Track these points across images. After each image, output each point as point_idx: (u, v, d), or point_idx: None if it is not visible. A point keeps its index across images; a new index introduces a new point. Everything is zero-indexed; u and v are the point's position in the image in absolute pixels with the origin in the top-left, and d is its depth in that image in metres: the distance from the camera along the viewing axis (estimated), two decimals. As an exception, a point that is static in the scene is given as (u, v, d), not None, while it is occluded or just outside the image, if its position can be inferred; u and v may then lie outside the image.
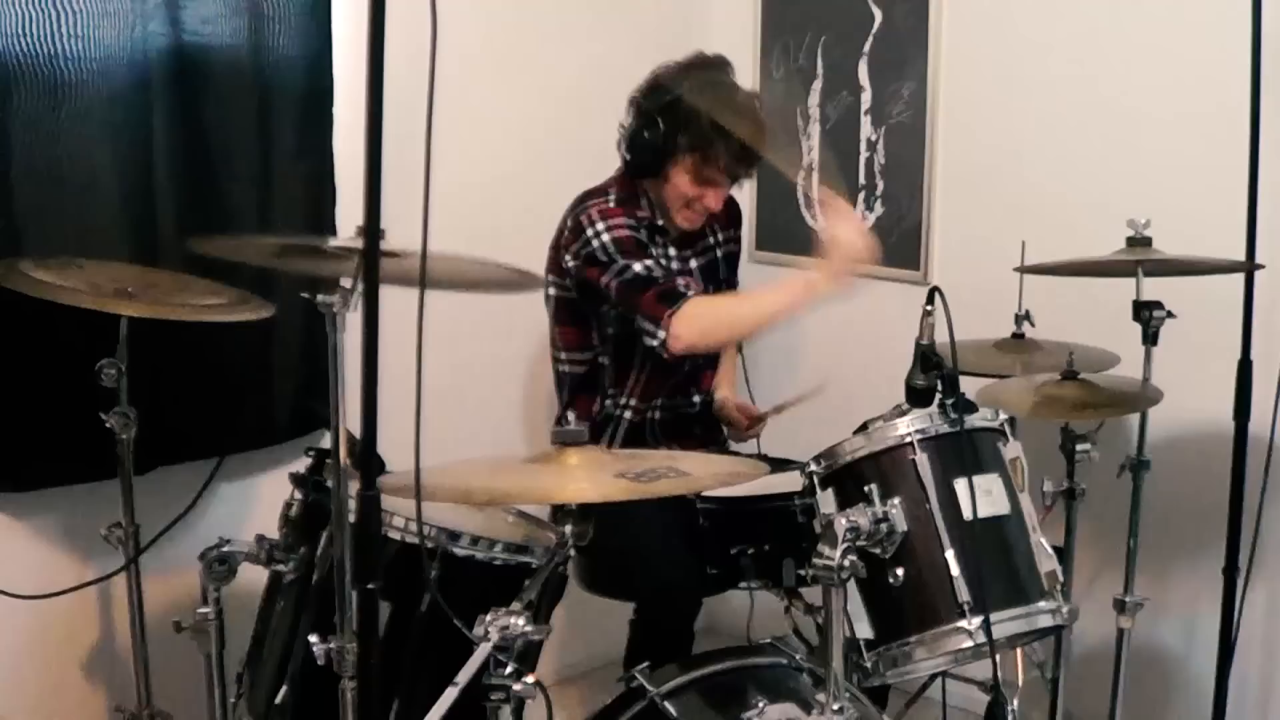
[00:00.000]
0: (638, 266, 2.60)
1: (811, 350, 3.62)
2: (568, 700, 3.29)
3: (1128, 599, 2.67)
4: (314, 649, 1.82)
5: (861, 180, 3.49)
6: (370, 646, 1.71)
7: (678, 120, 2.58)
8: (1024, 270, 2.74)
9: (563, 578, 2.17)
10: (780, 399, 2.90)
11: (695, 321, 2.54)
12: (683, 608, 2.94)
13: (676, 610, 2.92)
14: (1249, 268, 2.55)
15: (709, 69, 2.67)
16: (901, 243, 3.43)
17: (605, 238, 2.62)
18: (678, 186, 2.66)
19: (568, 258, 2.68)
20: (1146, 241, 2.50)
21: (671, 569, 2.49)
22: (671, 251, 2.78)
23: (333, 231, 2.84)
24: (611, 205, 2.67)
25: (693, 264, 2.84)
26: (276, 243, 2.08)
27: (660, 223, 2.74)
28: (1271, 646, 2.95)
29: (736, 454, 2.87)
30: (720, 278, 2.92)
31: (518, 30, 3.31)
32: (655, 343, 2.56)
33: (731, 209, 2.95)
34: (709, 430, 2.94)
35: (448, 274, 1.93)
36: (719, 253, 2.92)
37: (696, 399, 2.91)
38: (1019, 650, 2.53)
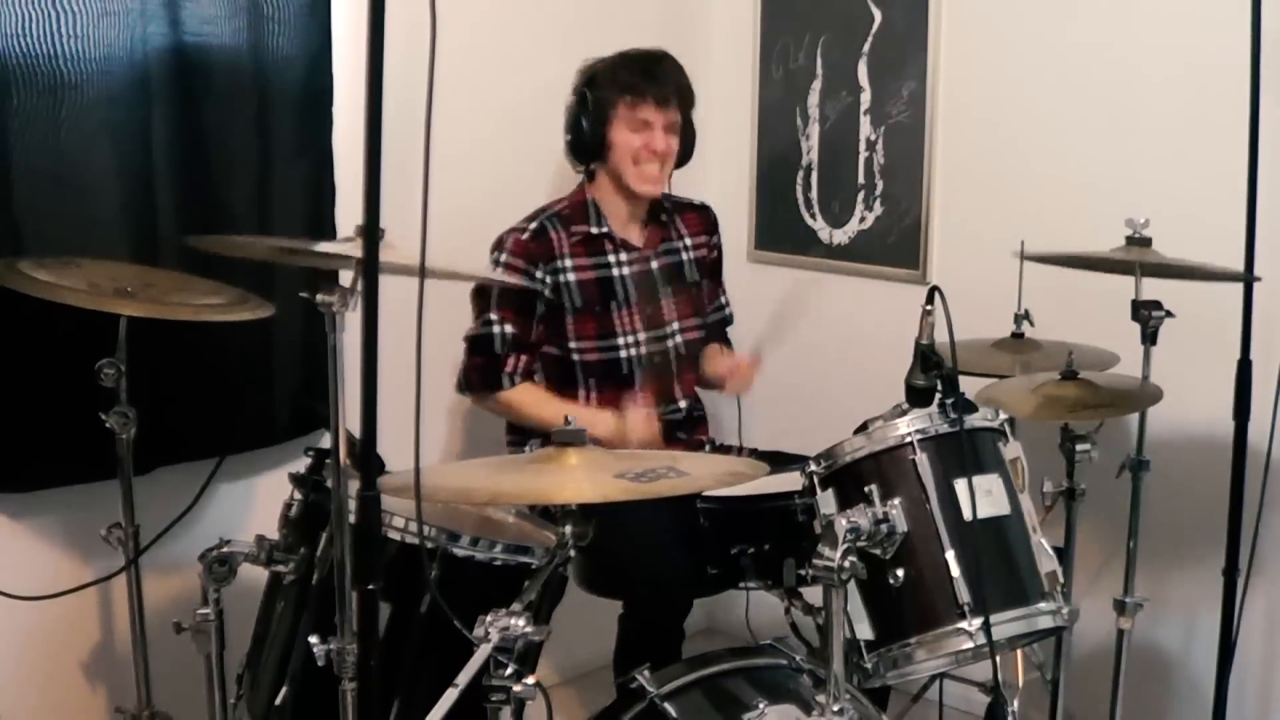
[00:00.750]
0: (495, 326, 2.75)
1: (811, 350, 3.62)
2: (568, 701, 3.29)
3: (1128, 600, 2.67)
4: (314, 650, 1.82)
5: (861, 180, 3.49)
6: (370, 647, 1.71)
7: (597, 83, 2.80)
8: (1024, 257, 2.71)
9: (563, 578, 2.17)
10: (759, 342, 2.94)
11: (501, 410, 2.84)
12: (678, 607, 2.94)
13: (672, 610, 2.92)
14: (1246, 279, 2.54)
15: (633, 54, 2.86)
16: (901, 242, 3.43)
17: (498, 274, 2.76)
18: (620, 145, 2.79)
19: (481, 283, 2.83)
20: (1146, 241, 2.50)
21: (672, 569, 2.49)
22: (623, 256, 2.86)
23: (332, 231, 2.84)
24: (525, 237, 2.79)
25: (653, 264, 2.91)
26: (274, 245, 2.07)
27: (604, 229, 2.85)
28: (1271, 647, 2.95)
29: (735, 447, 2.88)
30: (689, 280, 2.97)
31: (517, 30, 3.31)
32: (460, 386, 2.84)
33: (704, 216, 3.06)
34: (693, 434, 2.96)
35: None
36: (687, 256, 2.98)
37: (682, 404, 2.93)
38: (1019, 651, 2.53)
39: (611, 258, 2.85)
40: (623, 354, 2.83)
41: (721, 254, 3.10)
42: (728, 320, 3.13)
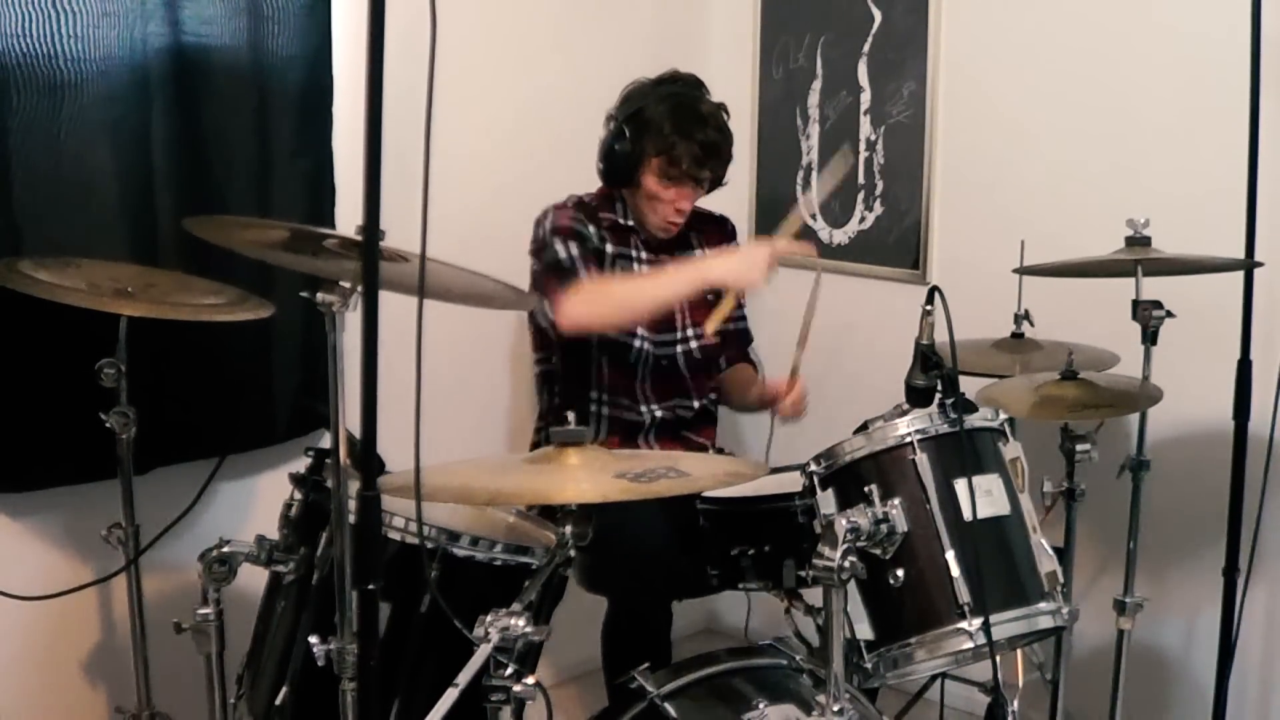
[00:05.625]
0: (560, 250, 2.69)
1: (811, 350, 3.61)
2: (567, 701, 3.29)
3: (1128, 600, 2.67)
4: (314, 650, 1.82)
5: (861, 180, 3.49)
6: (370, 647, 1.71)
7: (642, 127, 2.70)
8: (1023, 271, 2.74)
9: (563, 578, 2.17)
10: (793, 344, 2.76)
11: (584, 299, 2.63)
12: (666, 608, 2.92)
13: (663, 610, 2.91)
14: (1248, 265, 2.55)
15: (678, 83, 2.77)
16: (901, 243, 3.43)
17: (547, 225, 2.72)
18: (648, 189, 2.74)
19: (531, 259, 2.76)
20: (1146, 241, 2.50)
21: (672, 570, 2.49)
22: (644, 254, 2.82)
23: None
24: (568, 206, 2.76)
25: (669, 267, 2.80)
26: (274, 226, 2.05)
27: (630, 223, 2.81)
28: (1271, 647, 2.95)
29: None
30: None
31: (518, 30, 3.31)
32: (545, 323, 2.67)
33: (723, 229, 2.97)
34: (699, 433, 2.92)
35: (443, 284, 1.93)
36: None
37: (696, 404, 2.88)
38: (1019, 651, 2.53)
39: (634, 252, 2.81)
40: (636, 344, 2.77)
41: None
42: (747, 336, 3.02)
